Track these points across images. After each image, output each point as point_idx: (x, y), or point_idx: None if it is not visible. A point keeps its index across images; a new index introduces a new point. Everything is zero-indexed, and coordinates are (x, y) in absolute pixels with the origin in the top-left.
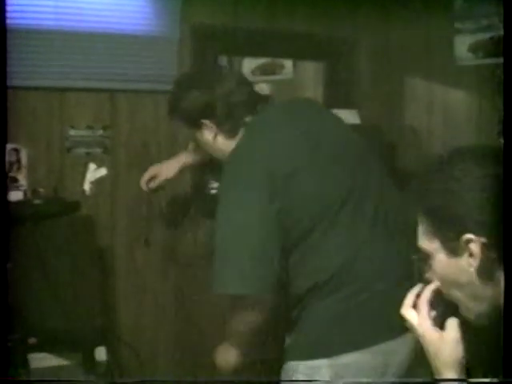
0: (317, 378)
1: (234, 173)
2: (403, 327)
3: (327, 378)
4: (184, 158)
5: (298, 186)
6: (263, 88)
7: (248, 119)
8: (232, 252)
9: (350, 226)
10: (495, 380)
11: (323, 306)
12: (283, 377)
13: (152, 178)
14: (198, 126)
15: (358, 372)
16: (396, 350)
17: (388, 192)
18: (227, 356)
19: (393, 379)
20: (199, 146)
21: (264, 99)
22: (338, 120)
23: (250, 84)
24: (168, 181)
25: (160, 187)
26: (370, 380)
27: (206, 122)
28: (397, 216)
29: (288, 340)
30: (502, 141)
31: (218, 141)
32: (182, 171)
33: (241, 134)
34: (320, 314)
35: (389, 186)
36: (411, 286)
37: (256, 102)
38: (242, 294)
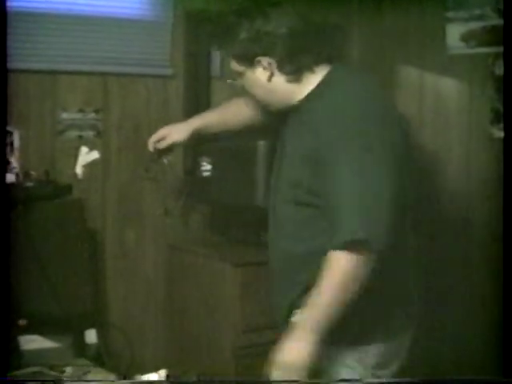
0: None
1: (354, 128)
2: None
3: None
4: (197, 122)
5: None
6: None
7: (318, 68)
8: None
9: None
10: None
11: None
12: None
13: (161, 140)
14: (252, 63)
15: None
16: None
17: None
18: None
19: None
20: (244, 89)
21: (330, 54)
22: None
23: (318, 27)
24: (177, 144)
25: (168, 150)
26: (369, 380)
27: (265, 58)
28: None
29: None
30: (492, 129)
31: (273, 82)
32: (192, 136)
33: (310, 79)
34: None
35: None
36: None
37: (323, 52)
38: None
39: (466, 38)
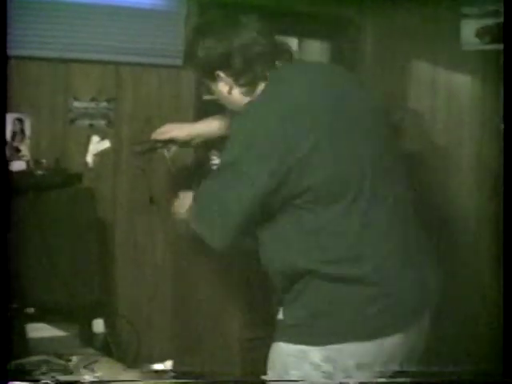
0: (306, 362)
1: (244, 135)
2: (411, 320)
3: (317, 362)
4: (201, 127)
5: (314, 162)
6: (288, 43)
7: (268, 74)
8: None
9: (366, 208)
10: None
11: (323, 289)
12: (272, 357)
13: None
14: (213, 78)
15: (351, 357)
16: (400, 344)
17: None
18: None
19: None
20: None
21: (286, 54)
22: (363, 88)
23: (271, 36)
24: (175, 141)
25: (168, 143)
26: (369, 380)
27: (221, 73)
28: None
29: (281, 316)
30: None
31: (233, 95)
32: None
33: (259, 90)
34: (319, 297)
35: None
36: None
37: (276, 55)
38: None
39: (480, 34)
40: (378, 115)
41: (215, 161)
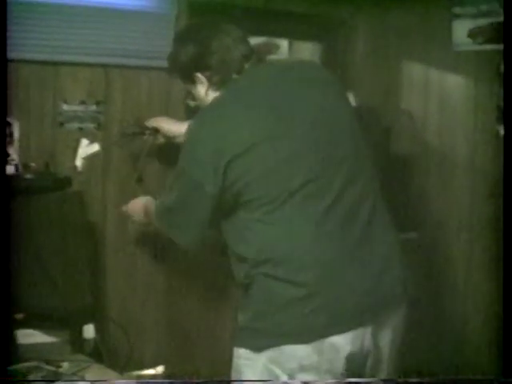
0: (254, 365)
1: (189, 141)
2: (352, 322)
3: (261, 366)
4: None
5: (251, 162)
6: (266, 47)
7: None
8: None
9: (320, 208)
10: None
11: (268, 289)
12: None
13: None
14: (193, 81)
15: (293, 359)
16: (342, 347)
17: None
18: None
19: (342, 378)
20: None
21: (259, 58)
22: (336, 91)
23: (246, 42)
24: (159, 130)
25: (153, 130)
26: (368, 380)
27: (199, 75)
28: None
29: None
30: (498, 128)
31: (209, 96)
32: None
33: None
34: (262, 299)
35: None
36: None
37: (248, 60)
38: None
39: (472, 35)
40: (346, 116)
41: None
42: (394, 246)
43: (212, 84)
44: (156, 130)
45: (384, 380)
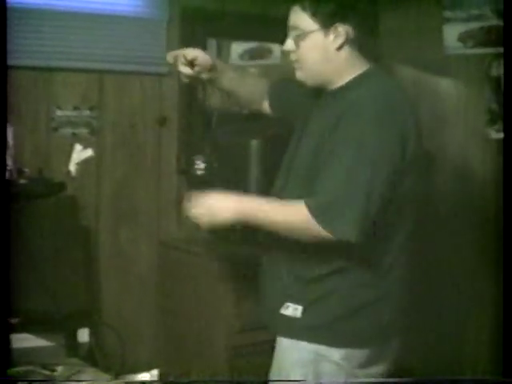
0: (326, 360)
1: (376, 121)
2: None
3: (336, 360)
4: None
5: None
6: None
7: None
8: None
9: None
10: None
11: (347, 293)
12: (284, 355)
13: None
14: (329, 26)
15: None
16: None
17: None
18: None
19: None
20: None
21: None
22: None
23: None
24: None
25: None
26: (367, 380)
27: (342, 26)
28: None
29: (298, 314)
30: (489, 130)
31: (341, 53)
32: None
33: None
34: (342, 301)
35: None
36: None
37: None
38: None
39: (463, 39)
40: None
41: (200, 165)
42: None
43: (351, 45)
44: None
45: (384, 380)
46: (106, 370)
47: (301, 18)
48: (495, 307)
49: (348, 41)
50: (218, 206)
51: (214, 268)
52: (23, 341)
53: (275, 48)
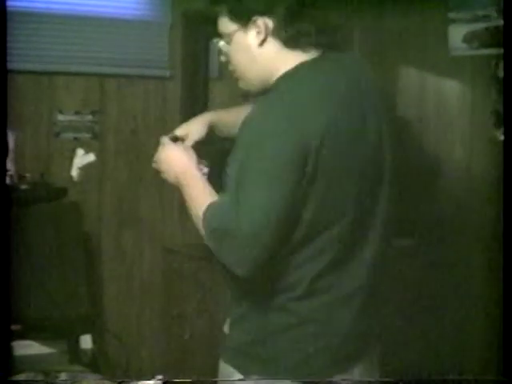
0: None
1: (262, 132)
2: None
3: None
4: (209, 117)
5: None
6: None
7: (309, 48)
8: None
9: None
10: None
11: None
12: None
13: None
14: (246, 23)
15: None
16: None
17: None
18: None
19: None
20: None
21: (332, 43)
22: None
23: (327, 18)
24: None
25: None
26: (367, 380)
27: (262, 19)
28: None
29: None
30: (495, 132)
31: (263, 49)
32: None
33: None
34: (263, 324)
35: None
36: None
37: (324, 37)
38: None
39: (468, 40)
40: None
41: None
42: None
43: (275, 37)
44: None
45: (384, 380)
46: (109, 376)
47: (223, 24)
48: (495, 307)
49: (273, 34)
50: (169, 161)
51: (217, 273)
52: (25, 347)
53: None
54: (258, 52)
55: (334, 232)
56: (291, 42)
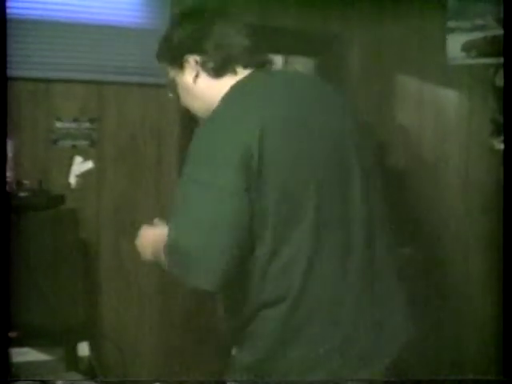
0: None
1: (207, 142)
2: (360, 366)
3: None
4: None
5: (272, 168)
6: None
7: (239, 70)
8: (196, 245)
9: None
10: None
11: (279, 324)
12: None
13: None
14: (181, 65)
15: None
16: None
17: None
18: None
19: None
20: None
21: (263, 61)
22: (340, 106)
23: (251, 36)
24: None
25: None
26: (367, 379)
27: (190, 58)
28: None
29: (236, 354)
30: (493, 141)
31: (198, 83)
32: None
33: (225, 81)
34: (270, 338)
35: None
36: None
37: (252, 57)
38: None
39: (466, 49)
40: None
41: None
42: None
43: (206, 69)
44: None
45: (384, 380)
46: (107, 383)
47: (168, 73)
48: (495, 307)
49: (202, 67)
50: (143, 245)
51: None
52: (22, 354)
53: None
54: (195, 87)
55: (304, 236)
56: (219, 70)
